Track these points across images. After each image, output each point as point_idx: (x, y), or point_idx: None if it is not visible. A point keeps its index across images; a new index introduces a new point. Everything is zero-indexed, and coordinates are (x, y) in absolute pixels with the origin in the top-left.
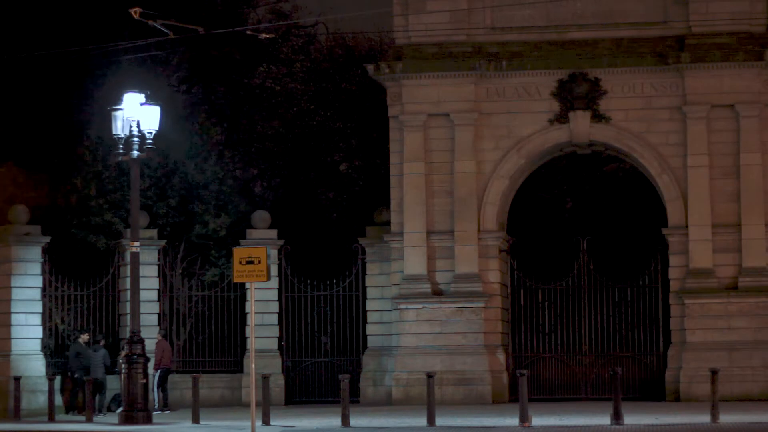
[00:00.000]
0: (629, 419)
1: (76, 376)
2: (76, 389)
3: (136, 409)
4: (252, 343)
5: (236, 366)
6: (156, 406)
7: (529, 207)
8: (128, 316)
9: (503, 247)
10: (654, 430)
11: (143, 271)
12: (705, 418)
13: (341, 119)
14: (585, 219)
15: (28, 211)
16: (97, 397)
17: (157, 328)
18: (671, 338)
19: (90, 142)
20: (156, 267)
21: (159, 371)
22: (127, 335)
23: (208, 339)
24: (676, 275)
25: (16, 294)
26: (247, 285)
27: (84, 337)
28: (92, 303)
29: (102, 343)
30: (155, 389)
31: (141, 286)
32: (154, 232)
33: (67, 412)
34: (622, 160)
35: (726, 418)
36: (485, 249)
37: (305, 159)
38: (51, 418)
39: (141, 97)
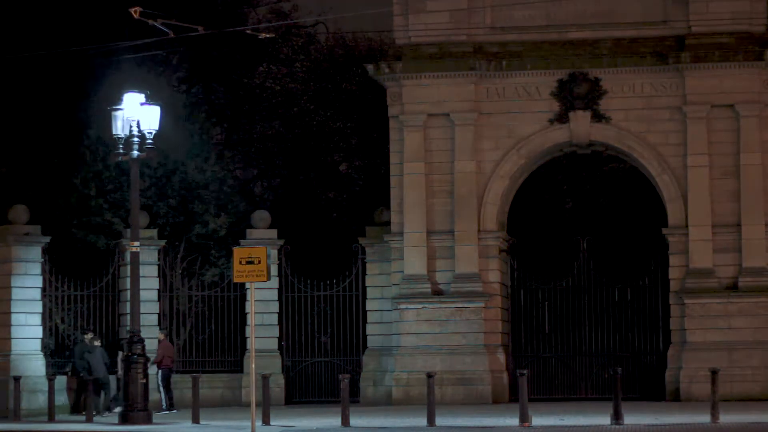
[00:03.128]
0: (629, 419)
1: (81, 375)
2: (82, 390)
3: (135, 409)
4: (252, 343)
5: (236, 366)
6: (164, 407)
7: (529, 207)
8: (128, 316)
9: (503, 247)
10: (654, 430)
11: (143, 271)
12: (705, 418)
13: (341, 119)
14: (585, 219)
15: (28, 211)
16: (102, 397)
17: (157, 328)
18: (671, 338)
19: (90, 142)
20: (156, 267)
21: (160, 371)
22: (126, 335)
23: (208, 339)
24: (676, 275)
25: (16, 294)
26: (247, 285)
27: (88, 337)
28: (92, 303)
29: (98, 343)
30: (160, 390)
31: (141, 286)
32: (154, 232)
33: (72, 413)
34: (622, 160)
35: (726, 418)
36: (485, 249)
37: (305, 159)
38: (51, 418)
39: (141, 97)
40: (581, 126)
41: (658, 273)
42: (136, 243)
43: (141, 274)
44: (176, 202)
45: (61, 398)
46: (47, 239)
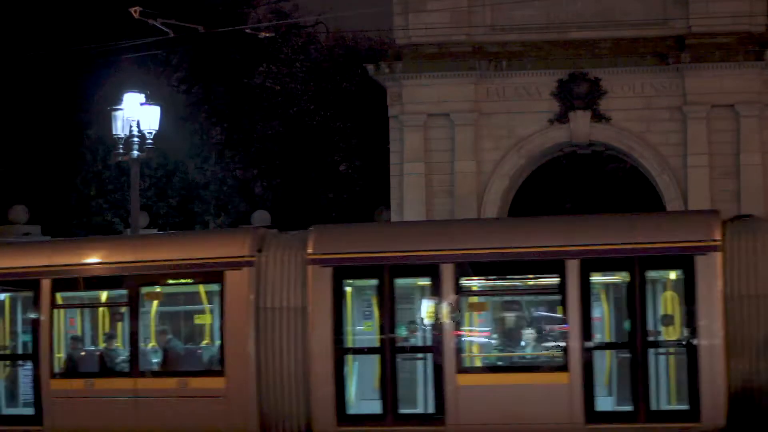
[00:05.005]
0: None
1: None
2: None
3: None
4: None
5: None
6: None
7: (529, 207)
8: None
9: None
10: None
11: None
12: None
13: (341, 119)
14: None
15: (27, 211)
16: None
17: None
18: None
19: (90, 142)
20: None
21: None
22: None
23: None
24: None
25: None
26: None
27: None
28: None
29: None
30: None
31: None
32: (154, 233)
33: None
34: (622, 160)
35: None
36: None
37: (305, 159)
38: None
39: (141, 97)
40: (581, 126)
41: None
42: None
43: None
44: (176, 202)
45: None
46: (47, 239)
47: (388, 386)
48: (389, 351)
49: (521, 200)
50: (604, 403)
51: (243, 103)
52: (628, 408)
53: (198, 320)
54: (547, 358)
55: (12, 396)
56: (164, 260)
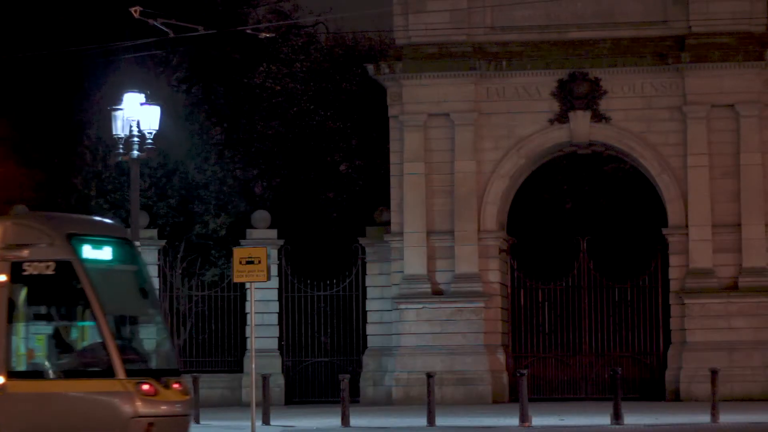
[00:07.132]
0: (629, 419)
1: None
2: None
3: None
4: (252, 343)
5: (236, 366)
6: None
7: (529, 207)
8: None
9: (503, 247)
10: (654, 430)
11: None
12: (705, 418)
13: (341, 119)
14: (585, 219)
15: (28, 211)
16: None
17: None
18: (671, 338)
19: (90, 142)
20: (156, 267)
21: None
22: None
23: (208, 339)
24: (676, 275)
25: None
26: (247, 285)
27: None
28: None
29: None
30: None
31: None
32: (154, 232)
33: None
34: (622, 160)
35: (726, 418)
36: (485, 249)
37: (305, 159)
38: None
39: (141, 97)
40: (581, 126)
41: (658, 273)
42: (137, 243)
43: None
44: (176, 202)
45: None
46: None
47: None
48: None
49: (521, 200)
50: None
51: (243, 103)
52: None
53: None
54: None
55: None
56: None
